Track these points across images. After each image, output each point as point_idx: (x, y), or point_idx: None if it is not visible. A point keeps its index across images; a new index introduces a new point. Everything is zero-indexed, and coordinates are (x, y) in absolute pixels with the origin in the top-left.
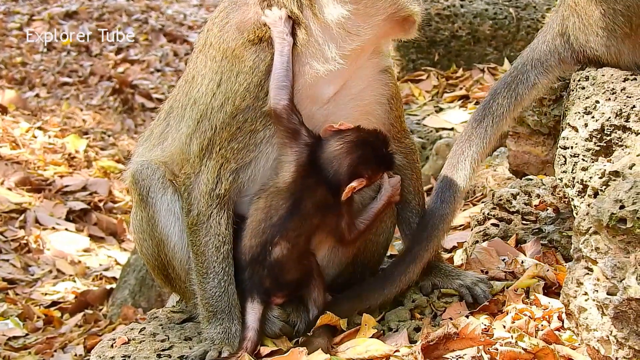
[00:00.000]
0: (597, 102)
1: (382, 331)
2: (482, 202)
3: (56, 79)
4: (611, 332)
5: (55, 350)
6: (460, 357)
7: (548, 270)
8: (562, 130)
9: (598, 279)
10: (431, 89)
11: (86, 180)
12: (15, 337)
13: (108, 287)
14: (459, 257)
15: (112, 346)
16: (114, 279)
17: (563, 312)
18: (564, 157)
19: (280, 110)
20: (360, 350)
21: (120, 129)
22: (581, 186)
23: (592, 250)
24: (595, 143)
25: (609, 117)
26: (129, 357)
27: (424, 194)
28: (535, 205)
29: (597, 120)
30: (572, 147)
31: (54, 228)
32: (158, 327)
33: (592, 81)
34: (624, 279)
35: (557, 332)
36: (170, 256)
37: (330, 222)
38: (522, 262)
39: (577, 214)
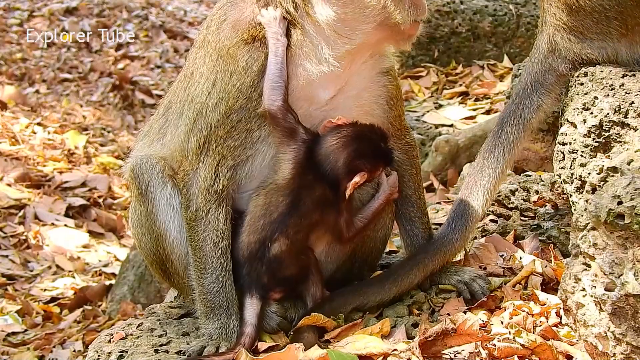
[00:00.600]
0: (596, 98)
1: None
2: None
3: (56, 75)
4: (609, 328)
5: (54, 346)
6: (458, 353)
7: (546, 266)
8: (561, 126)
9: (596, 275)
10: (431, 85)
11: (85, 176)
12: (14, 333)
13: (107, 283)
14: None
15: (109, 341)
16: (113, 275)
17: (561, 308)
18: (562, 153)
19: (274, 111)
20: (359, 346)
21: (120, 125)
22: (579, 182)
23: (590, 246)
24: (593, 139)
25: (608, 113)
26: (127, 352)
27: (423, 189)
28: (533, 202)
29: (595, 117)
30: (570, 143)
31: (53, 224)
32: (156, 322)
33: (590, 77)
34: (621, 275)
35: (555, 328)
36: (168, 251)
37: (329, 219)
38: (521, 258)
39: (575, 210)
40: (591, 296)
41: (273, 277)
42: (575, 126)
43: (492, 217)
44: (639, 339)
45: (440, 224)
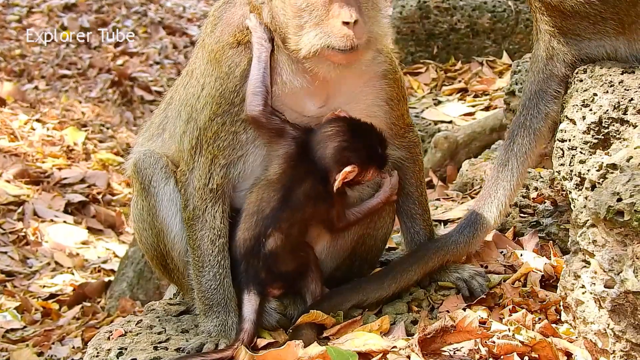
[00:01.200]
0: (595, 94)
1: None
2: None
3: (55, 72)
4: (608, 325)
5: (53, 343)
6: (457, 350)
7: (546, 263)
8: (560, 123)
9: (595, 272)
10: (430, 81)
11: (85, 172)
12: (13, 330)
13: (106, 279)
14: None
15: (108, 338)
16: (112, 271)
17: (560, 305)
18: (562, 149)
19: (257, 116)
20: (359, 343)
21: (119, 121)
22: (579, 179)
23: (589, 243)
24: (593, 136)
25: (607, 110)
26: (126, 349)
27: (425, 186)
28: (533, 198)
29: (595, 113)
30: (570, 140)
31: (52, 220)
32: (155, 319)
33: (590, 74)
34: (621, 271)
35: (554, 325)
36: (169, 247)
37: (321, 211)
38: (521, 255)
39: (574, 206)
40: (591, 293)
41: (270, 273)
42: (574, 123)
43: None
44: (638, 336)
45: (439, 221)
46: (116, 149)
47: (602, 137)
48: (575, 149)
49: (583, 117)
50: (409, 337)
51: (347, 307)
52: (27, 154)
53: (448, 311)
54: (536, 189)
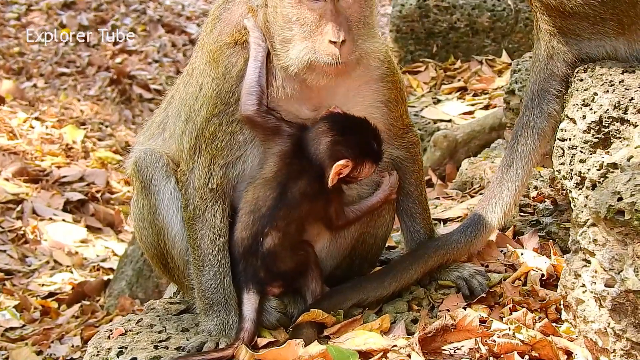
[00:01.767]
0: (596, 94)
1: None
2: (480, 194)
3: (54, 70)
4: (609, 324)
5: (52, 342)
6: (457, 349)
7: (546, 262)
8: (561, 122)
9: (596, 271)
10: (429, 80)
11: (83, 171)
12: (12, 328)
13: (105, 278)
14: None
15: (109, 337)
16: (111, 270)
17: (561, 304)
18: (562, 149)
19: (251, 116)
20: (359, 342)
21: (118, 119)
22: (579, 178)
23: (590, 242)
24: (593, 135)
25: (607, 109)
26: (126, 348)
27: (425, 186)
28: (533, 197)
29: (595, 112)
30: (570, 139)
31: (51, 219)
32: (155, 318)
33: (590, 73)
34: (621, 270)
35: (554, 324)
36: (170, 245)
37: (318, 209)
38: (521, 254)
39: (575, 206)
40: (591, 292)
41: (269, 272)
42: (574, 122)
43: None
44: (639, 335)
45: (439, 220)
46: (115, 147)
47: (603, 137)
48: (576, 148)
49: (583, 116)
50: (410, 336)
51: (347, 306)
52: (26, 152)
53: (448, 310)
54: (536, 188)
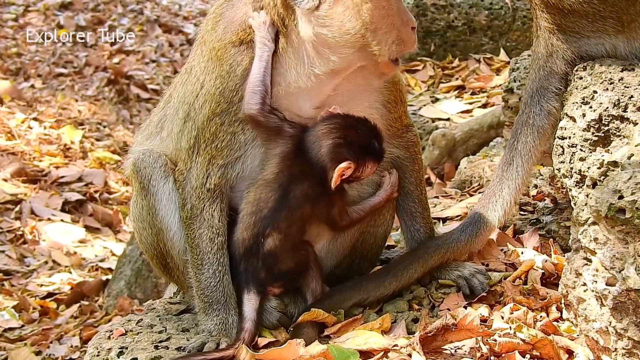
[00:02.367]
0: (595, 92)
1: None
2: (479, 193)
3: (51, 70)
4: (610, 322)
5: (51, 342)
6: (458, 349)
7: (546, 260)
8: (560, 120)
9: (597, 270)
10: (427, 79)
11: (82, 171)
12: (11, 329)
13: (104, 278)
14: None
15: (109, 338)
16: (110, 270)
17: (562, 303)
18: (561, 147)
19: (254, 115)
20: (360, 341)
21: (116, 119)
22: (579, 176)
23: (590, 240)
24: (593, 133)
25: (607, 107)
26: (126, 348)
27: (425, 184)
28: (533, 196)
29: (595, 111)
30: (570, 138)
31: (49, 219)
32: (155, 318)
33: (589, 71)
34: (622, 269)
35: (555, 323)
36: (169, 246)
37: (321, 210)
38: (522, 252)
39: (575, 204)
40: (592, 291)
41: (270, 272)
42: (574, 120)
43: None
44: None
45: (438, 218)
46: (113, 147)
47: (602, 135)
48: (576, 147)
49: (583, 114)
50: (410, 336)
51: (348, 306)
52: (24, 152)
53: (449, 309)
54: (536, 186)
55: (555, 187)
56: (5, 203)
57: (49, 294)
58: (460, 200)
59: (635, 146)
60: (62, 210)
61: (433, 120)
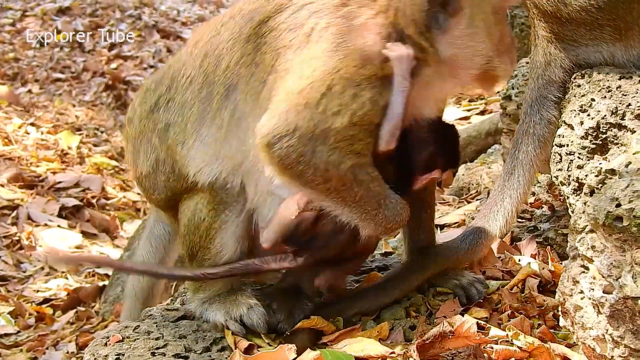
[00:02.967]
0: (593, 100)
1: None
2: (477, 200)
3: (49, 75)
4: (607, 330)
5: (47, 348)
6: (455, 356)
7: (544, 268)
8: (558, 128)
9: (594, 278)
10: None
11: (79, 176)
12: (6, 335)
13: (100, 284)
14: None
15: (105, 344)
16: (107, 275)
17: (559, 311)
18: (559, 155)
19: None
20: (357, 349)
21: (113, 125)
22: (577, 184)
23: (588, 248)
24: (590, 141)
25: (605, 115)
26: (123, 355)
27: (435, 193)
28: (530, 203)
29: (592, 118)
30: (567, 145)
31: (46, 225)
32: (152, 325)
33: (587, 79)
34: (620, 277)
35: (552, 331)
36: None
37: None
38: (519, 260)
39: (572, 212)
40: (589, 299)
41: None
42: (572, 128)
43: None
44: (637, 342)
45: (436, 225)
46: (111, 153)
47: (600, 143)
48: (573, 154)
49: (581, 122)
50: (408, 343)
51: (349, 314)
52: (22, 157)
53: (445, 316)
54: (534, 194)
55: (553, 195)
56: (2, 208)
57: (45, 300)
58: (458, 207)
59: (633, 154)
60: (59, 215)
61: None
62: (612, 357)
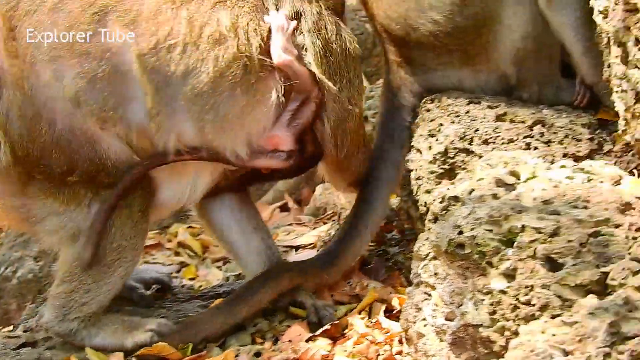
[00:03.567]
0: (442, 124)
1: None
2: (333, 221)
3: None
4: (449, 358)
5: None
6: None
7: (391, 293)
8: (408, 152)
9: (437, 305)
10: None
11: None
12: None
13: None
14: None
15: None
16: None
17: (403, 337)
18: (408, 179)
19: None
20: None
21: None
22: (425, 209)
23: (431, 275)
24: (439, 166)
25: (453, 140)
26: None
27: None
28: (380, 226)
29: (441, 143)
30: (416, 170)
31: None
32: None
33: (437, 104)
34: (461, 304)
35: (398, 357)
36: None
37: None
38: (367, 285)
39: (417, 238)
40: (432, 326)
41: None
42: (420, 152)
43: None
44: None
45: (290, 247)
46: None
47: (448, 167)
48: (422, 179)
49: (429, 146)
50: None
51: (199, 339)
52: None
53: (290, 340)
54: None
55: (402, 219)
56: None
57: None
58: (314, 229)
59: (477, 180)
60: None
61: None
62: None
